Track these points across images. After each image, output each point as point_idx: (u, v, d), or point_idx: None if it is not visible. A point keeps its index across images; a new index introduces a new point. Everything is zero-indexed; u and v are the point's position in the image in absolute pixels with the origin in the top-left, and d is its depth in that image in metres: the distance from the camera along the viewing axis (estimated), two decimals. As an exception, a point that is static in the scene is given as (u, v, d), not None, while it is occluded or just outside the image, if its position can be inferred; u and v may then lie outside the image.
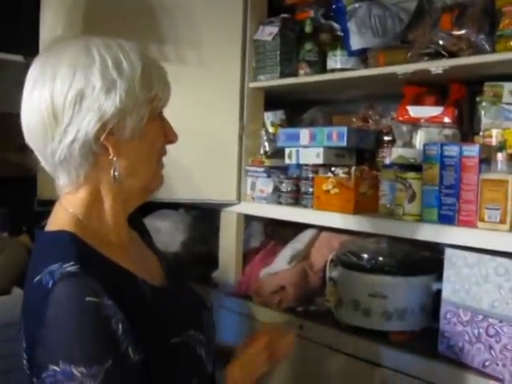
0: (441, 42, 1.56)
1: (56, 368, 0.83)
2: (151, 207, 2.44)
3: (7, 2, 2.12)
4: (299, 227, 2.09)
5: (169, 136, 1.07)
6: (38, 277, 0.88)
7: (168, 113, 1.80)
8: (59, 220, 0.99)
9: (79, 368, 0.82)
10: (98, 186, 1.00)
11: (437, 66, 1.54)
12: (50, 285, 0.86)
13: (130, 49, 0.99)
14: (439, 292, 1.56)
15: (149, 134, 1.01)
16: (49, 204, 1.06)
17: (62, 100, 0.92)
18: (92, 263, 0.91)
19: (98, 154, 0.96)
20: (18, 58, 2.29)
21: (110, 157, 0.97)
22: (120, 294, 0.90)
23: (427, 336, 1.61)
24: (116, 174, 0.98)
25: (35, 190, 1.65)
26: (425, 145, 1.56)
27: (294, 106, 2.22)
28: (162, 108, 1.04)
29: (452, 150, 1.48)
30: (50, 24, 1.80)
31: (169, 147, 1.89)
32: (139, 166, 1.02)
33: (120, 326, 0.86)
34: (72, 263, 0.88)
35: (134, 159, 1.00)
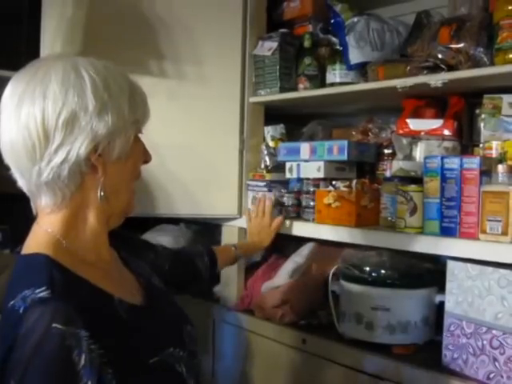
0: (439, 56, 1.57)
1: None
2: (152, 222, 2.44)
3: (7, 18, 2.13)
4: (300, 241, 2.09)
5: (145, 157, 1.09)
6: (13, 301, 0.87)
7: (168, 128, 1.83)
8: (36, 242, 0.98)
9: None
10: (82, 206, 0.99)
11: (436, 80, 1.55)
12: (22, 310, 0.85)
13: (115, 71, 1.01)
14: (442, 304, 1.56)
15: (132, 156, 1.03)
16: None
17: (55, 120, 0.91)
18: (66, 286, 0.90)
19: (85, 173, 0.96)
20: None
21: (98, 176, 0.97)
22: (95, 315, 0.90)
23: (430, 349, 1.61)
24: (102, 193, 0.98)
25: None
26: (425, 158, 1.56)
27: (293, 120, 2.23)
28: (141, 130, 1.06)
29: (452, 163, 1.48)
30: (49, 40, 1.80)
31: (170, 163, 1.91)
32: (122, 187, 1.04)
33: (82, 359, 0.84)
34: (44, 288, 0.86)
35: (118, 179, 1.02)
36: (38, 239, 0.98)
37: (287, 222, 1.92)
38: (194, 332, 1.16)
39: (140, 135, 1.07)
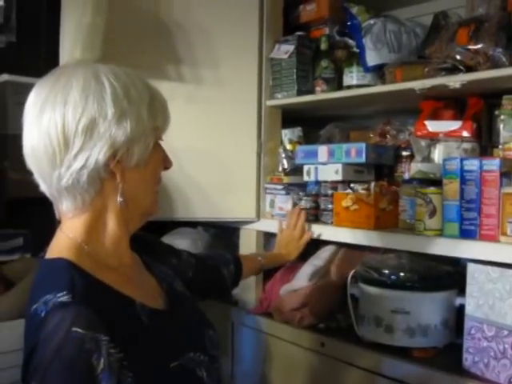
0: (458, 57, 1.56)
1: None
2: (170, 226, 2.45)
3: (27, 25, 2.16)
4: (318, 244, 2.09)
5: (166, 163, 1.11)
6: (35, 305, 0.89)
7: (186, 132, 1.83)
8: (59, 246, 1.00)
9: None
10: (102, 211, 1.01)
11: (455, 81, 1.54)
12: (43, 314, 0.87)
13: (136, 77, 1.02)
14: (461, 307, 1.55)
15: (151, 162, 1.04)
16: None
17: (74, 126, 0.93)
18: (87, 291, 0.91)
19: (104, 179, 0.98)
20: (38, 81, 2.33)
21: (117, 182, 0.99)
22: (116, 319, 0.91)
23: (451, 352, 1.59)
24: (121, 199, 1.00)
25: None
26: (444, 159, 1.55)
27: (310, 123, 2.23)
28: (161, 137, 1.08)
29: (472, 165, 1.47)
30: (68, 47, 1.82)
31: (188, 167, 1.91)
32: (141, 192, 1.05)
33: (101, 363, 0.85)
34: (65, 293, 0.88)
35: (137, 185, 1.03)
36: (61, 244, 1.00)
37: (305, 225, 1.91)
38: (216, 337, 1.16)
39: (160, 141, 1.07)
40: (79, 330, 0.85)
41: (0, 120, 2.20)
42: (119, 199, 1.00)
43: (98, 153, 0.94)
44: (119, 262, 1.04)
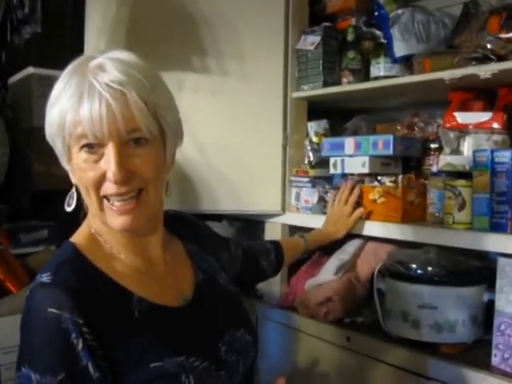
0: (489, 46, 1.52)
1: (23, 370, 0.87)
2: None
3: (51, 18, 2.17)
4: (344, 238, 2.07)
5: (86, 172, 0.96)
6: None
7: (211, 124, 1.82)
8: (78, 232, 1.04)
9: (36, 374, 0.86)
10: None
11: (486, 71, 1.50)
12: (28, 292, 0.92)
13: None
14: (490, 303, 1.52)
15: (75, 168, 0.97)
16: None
17: None
18: (74, 274, 0.93)
19: None
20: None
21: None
22: (100, 308, 0.92)
23: (479, 348, 1.56)
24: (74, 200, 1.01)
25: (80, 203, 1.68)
26: (475, 151, 1.52)
27: (336, 116, 2.20)
28: (75, 141, 0.94)
29: (503, 157, 1.43)
30: (93, 39, 1.83)
31: (213, 159, 1.91)
32: (85, 197, 0.99)
33: (81, 341, 0.87)
34: (48, 274, 0.92)
35: (80, 187, 0.99)
36: (79, 231, 1.04)
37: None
38: (247, 339, 1.11)
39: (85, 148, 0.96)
40: (54, 310, 0.87)
41: (25, 113, 2.22)
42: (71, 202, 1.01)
43: None
44: (132, 256, 1.03)
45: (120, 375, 0.90)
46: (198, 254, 1.19)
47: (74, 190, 1.00)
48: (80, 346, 0.87)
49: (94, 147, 0.93)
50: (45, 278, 0.91)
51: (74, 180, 1.00)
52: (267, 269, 1.55)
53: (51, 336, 0.87)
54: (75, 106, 0.90)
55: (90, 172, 0.94)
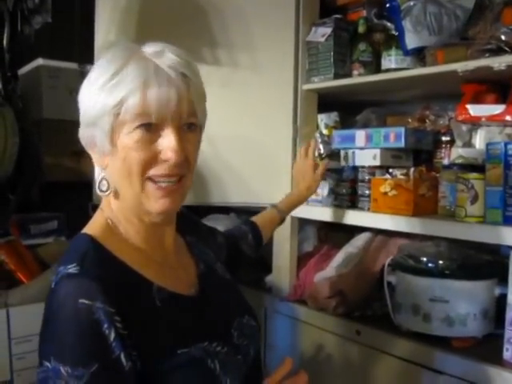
0: (503, 38, 1.50)
1: (48, 364, 0.85)
2: (202, 211, 2.44)
3: (61, 10, 2.16)
4: (352, 231, 2.06)
5: (140, 152, 0.94)
6: (53, 277, 0.92)
7: (222, 116, 1.81)
8: (92, 223, 1.02)
9: (66, 367, 0.84)
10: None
11: (500, 63, 1.48)
12: (53, 285, 0.90)
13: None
14: (502, 297, 1.51)
15: (121, 149, 0.95)
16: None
17: None
18: (99, 265, 0.92)
19: None
20: (72, 65, 2.34)
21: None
22: (125, 298, 0.91)
23: (490, 343, 1.56)
24: (103, 188, 1.00)
25: (89, 194, 1.67)
26: (488, 144, 1.50)
27: (346, 109, 2.19)
28: (130, 117, 0.93)
29: (517, 149, 1.43)
30: (103, 30, 1.82)
31: (223, 151, 1.90)
32: (120, 184, 0.99)
33: (113, 332, 0.86)
34: (74, 265, 0.90)
35: (114, 175, 0.99)
36: (94, 221, 1.03)
37: (341, 212, 1.88)
38: (251, 325, 1.13)
39: (142, 126, 0.94)
40: (85, 301, 0.86)
41: (35, 105, 2.22)
42: (105, 188, 1.00)
43: None
44: (150, 246, 1.03)
45: (148, 364, 0.90)
46: (196, 245, 1.20)
47: (103, 174, 1.00)
48: (112, 336, 0.86)
49: (151, 127, 0.93)
50: (71, 269, 0.90)
51: (103, 164, 0.99)
52: (248, 251, 1.55)
53: (83, 327, 0.85)
54: (141, 88, 0.91)
55: (142, 152, 0.93)
